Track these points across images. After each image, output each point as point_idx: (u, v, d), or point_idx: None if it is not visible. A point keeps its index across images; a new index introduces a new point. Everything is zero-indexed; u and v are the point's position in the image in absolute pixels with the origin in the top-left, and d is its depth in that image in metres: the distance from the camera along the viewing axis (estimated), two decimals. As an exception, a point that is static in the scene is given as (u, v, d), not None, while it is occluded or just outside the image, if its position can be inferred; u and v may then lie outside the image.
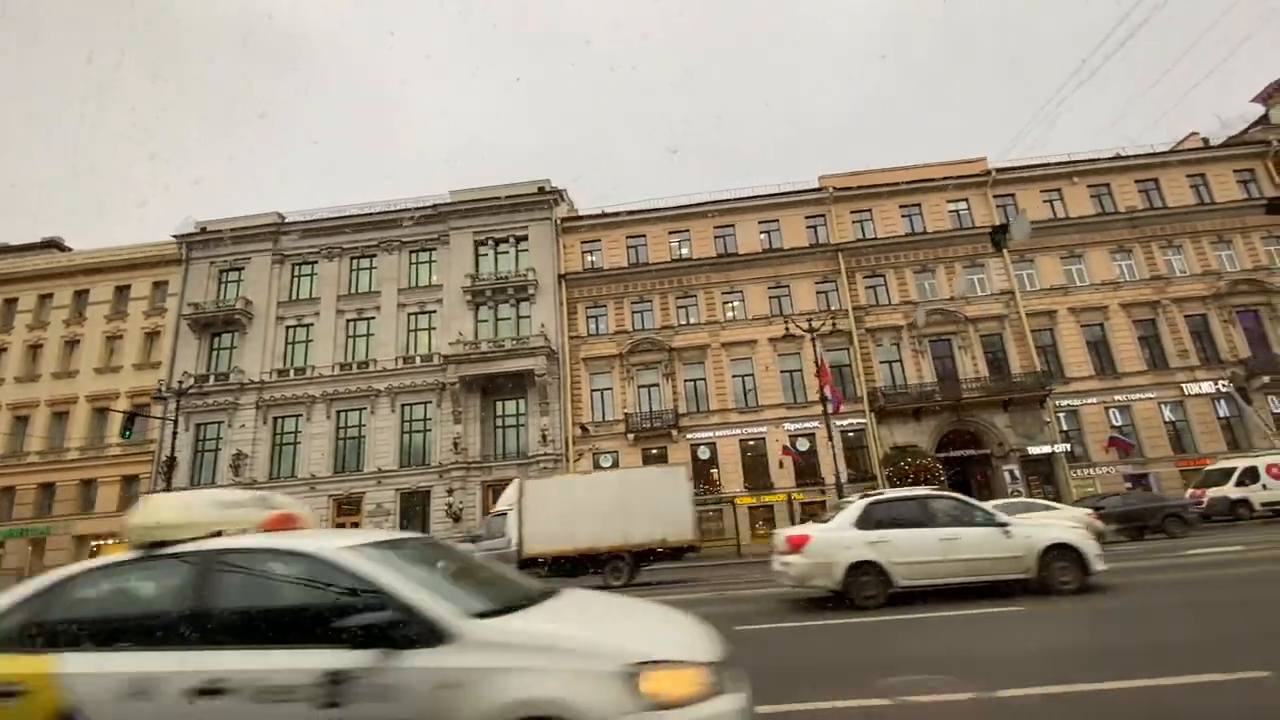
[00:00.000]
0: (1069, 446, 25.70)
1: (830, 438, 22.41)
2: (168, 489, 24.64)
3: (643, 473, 17.52)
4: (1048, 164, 29.62)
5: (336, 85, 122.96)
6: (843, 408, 26.73)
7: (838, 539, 8.61)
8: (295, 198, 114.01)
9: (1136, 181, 29.34)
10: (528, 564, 15.18)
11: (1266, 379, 25.82)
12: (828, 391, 22.18)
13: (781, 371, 27.96)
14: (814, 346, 21.91)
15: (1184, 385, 26.40)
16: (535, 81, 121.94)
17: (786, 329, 22.80)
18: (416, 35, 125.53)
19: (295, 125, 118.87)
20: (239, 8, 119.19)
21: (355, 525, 28.01)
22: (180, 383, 26.10)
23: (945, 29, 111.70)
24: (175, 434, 23.43)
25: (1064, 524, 10.04)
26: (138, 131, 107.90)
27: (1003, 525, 8.56)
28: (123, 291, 32.21)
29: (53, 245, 38.77)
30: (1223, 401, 26.25)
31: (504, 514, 16.57)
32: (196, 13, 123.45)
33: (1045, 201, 29.36)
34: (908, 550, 8.37)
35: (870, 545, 8.43)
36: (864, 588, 8.33)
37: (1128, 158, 29.76)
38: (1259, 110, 31.63)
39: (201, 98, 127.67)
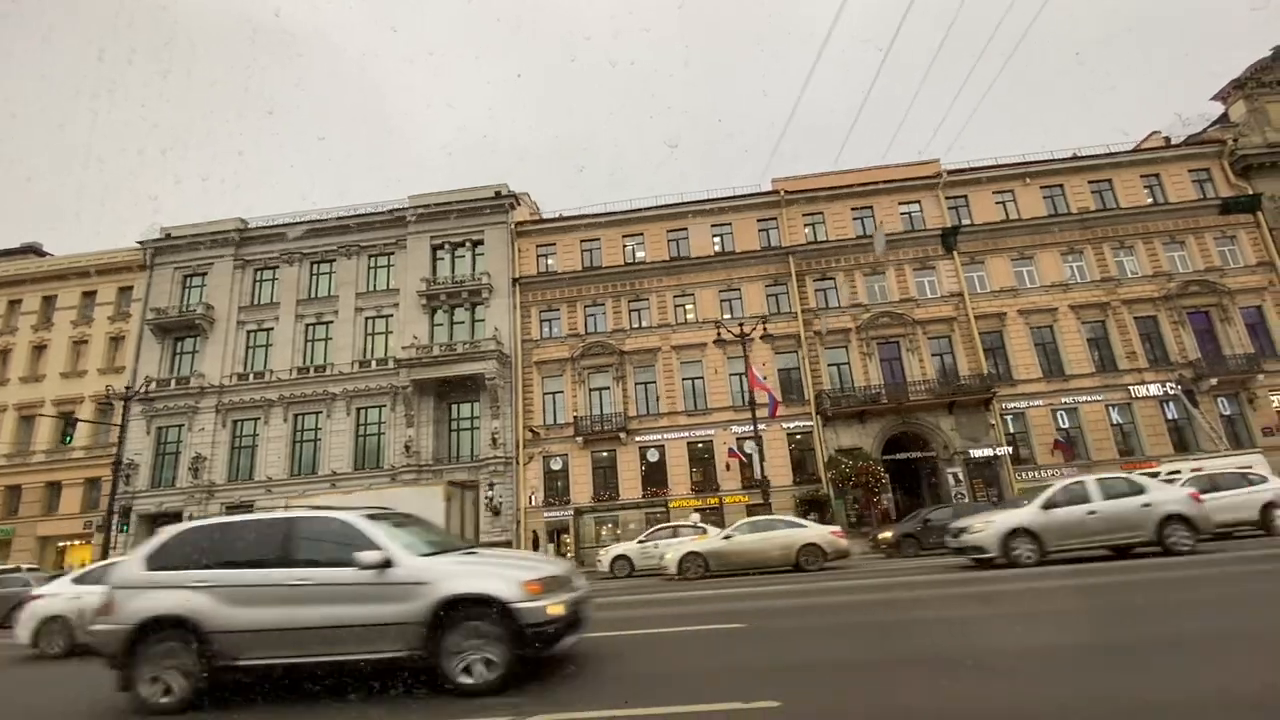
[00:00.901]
0: (1011, 449, 25.67)
1: (758, 441, 22.55)
2: (112, 493, 25.19)
3: (400, 492, 18.49)
4: (1000, 165, 29.53)
5: (340, 80, 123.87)
6: (788, 410, 26.97)
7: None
8: (300, 195, 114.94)
9: (1090, 182, 29.18)
10: None
11: (1215, 381, 25.68)
12: (758, 396, 22.29)
13: (731, 375, 28.09)
14: (745, 350, 22.04)
15: (1131, 388, 26.31)
16: (536, 78, 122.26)
17: (718, 334, 22.92)
18: (420, 32, 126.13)
19: (301, 122, 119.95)
20: (246, 4, 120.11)
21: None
22: (128, 387, 26.56)
23: (949, 24, 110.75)
24: (121, 440, 23.87)
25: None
26: (146, 126, 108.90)
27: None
28: (89, 297, 32.79)
29: (30, 250, 39.48)
30: (1171, 404, 26.15)
31: None
32: (204, 9, 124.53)
33: (997, 203, 29.29)
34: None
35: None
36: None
37: (1082, 158, 29.59)
38: (1220, 109, 31.33)
39: (210, 95, 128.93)
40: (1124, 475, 12.90)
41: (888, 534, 18.58)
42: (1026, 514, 11.46)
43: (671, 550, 15.53)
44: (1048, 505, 11.42)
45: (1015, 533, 11.21)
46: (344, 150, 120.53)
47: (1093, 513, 11.21)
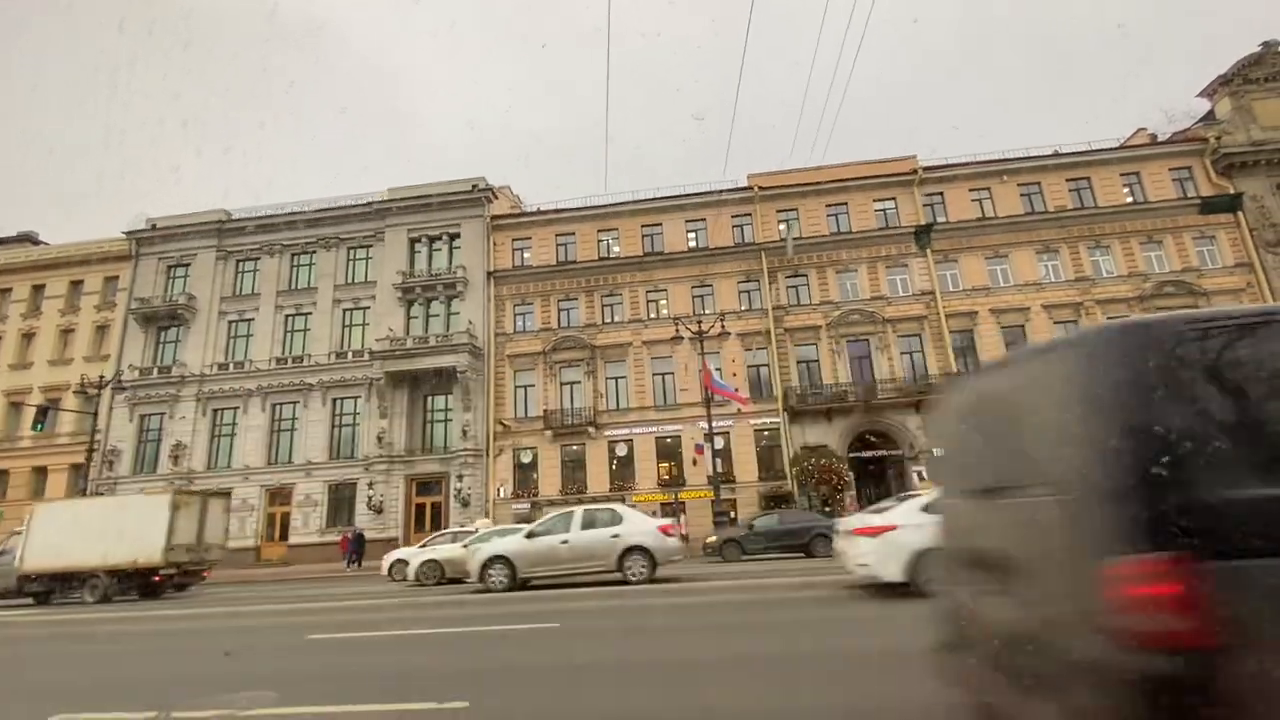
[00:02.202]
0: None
1: (710, 440, 22.70)
2: (85, 478, 25.82)
3: (131, 500, 19.31)
4: (977, 162, 29.23)
5: (359, 59, 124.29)
6: (757, 406, 27.09)
7: None
8: (317, 180, 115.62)
9: (1068, 180, 28.82)
10: (24, 579, 16.79)
11: (1186, 383, 25.40)
12: (716, 394, 22.41)
13: (701, 371, 28.12)
14: (703, 349, 22.14)
15: (1101, 388, 26.07)
16: (558, 52, 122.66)
17: (676, 331, 23.03)
18: (440, 8, 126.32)
19: (321, 97, 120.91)
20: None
21: (286, 515, 29.03)
22: (101, 375, 27.14)
23: (973, 15, 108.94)
24: (95, 427, 24.43)
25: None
26: (167, 97, 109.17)
27: None
28: (77, 286, 33.43)
29: (26, 238, 40.28)
30: (1141, 405, 25.91)
31: (19, 533, 17.74)
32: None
33: (974, 201, 29.03)
34: None
35: None
36: None
37: (1062, 155, 29.22)
38: (1206, 105, 30.75)
39: (229, 73, 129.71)
40: (609, 506, 13.34)
41: (713, 538, 19.03)
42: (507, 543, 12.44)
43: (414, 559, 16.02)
44: (530, 535, 12.41)
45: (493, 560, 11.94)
46: (363, 131, 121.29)
47: (565, 542, 11.88)
